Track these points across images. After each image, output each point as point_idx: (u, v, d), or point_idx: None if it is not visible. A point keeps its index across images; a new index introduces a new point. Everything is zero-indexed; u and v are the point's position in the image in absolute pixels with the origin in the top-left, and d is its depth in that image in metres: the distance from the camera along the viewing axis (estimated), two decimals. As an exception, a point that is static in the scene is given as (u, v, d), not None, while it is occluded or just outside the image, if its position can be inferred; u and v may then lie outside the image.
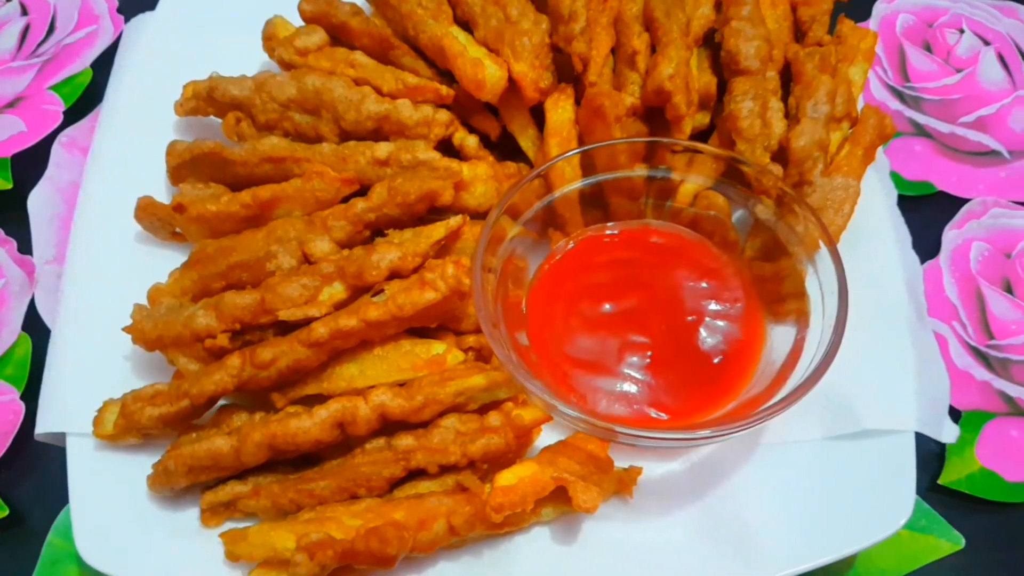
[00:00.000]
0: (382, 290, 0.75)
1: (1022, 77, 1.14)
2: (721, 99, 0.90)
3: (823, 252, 0.79)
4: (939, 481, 0.85)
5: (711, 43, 0.93)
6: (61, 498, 0.78)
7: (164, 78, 0.95)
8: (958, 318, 0.94)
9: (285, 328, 0.75)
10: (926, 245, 0.99)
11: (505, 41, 0.85)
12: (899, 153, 1.06)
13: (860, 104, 0.96)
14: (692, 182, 0.87)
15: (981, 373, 0.91)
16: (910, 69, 1.14)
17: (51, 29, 1.10)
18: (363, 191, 0.83)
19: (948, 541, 0.82)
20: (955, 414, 0.89)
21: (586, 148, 0.84)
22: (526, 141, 0.90)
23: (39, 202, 0.95)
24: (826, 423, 0.79)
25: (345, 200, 0.83)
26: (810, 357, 0.75)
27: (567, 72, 0.88)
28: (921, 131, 1.09)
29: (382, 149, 0.83)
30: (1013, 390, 0.90)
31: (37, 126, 1.01)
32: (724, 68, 0.89)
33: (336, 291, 0.75)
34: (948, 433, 0.81)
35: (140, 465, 0.74)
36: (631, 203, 0.89)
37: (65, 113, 1.03)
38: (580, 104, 0.87)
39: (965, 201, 1.03)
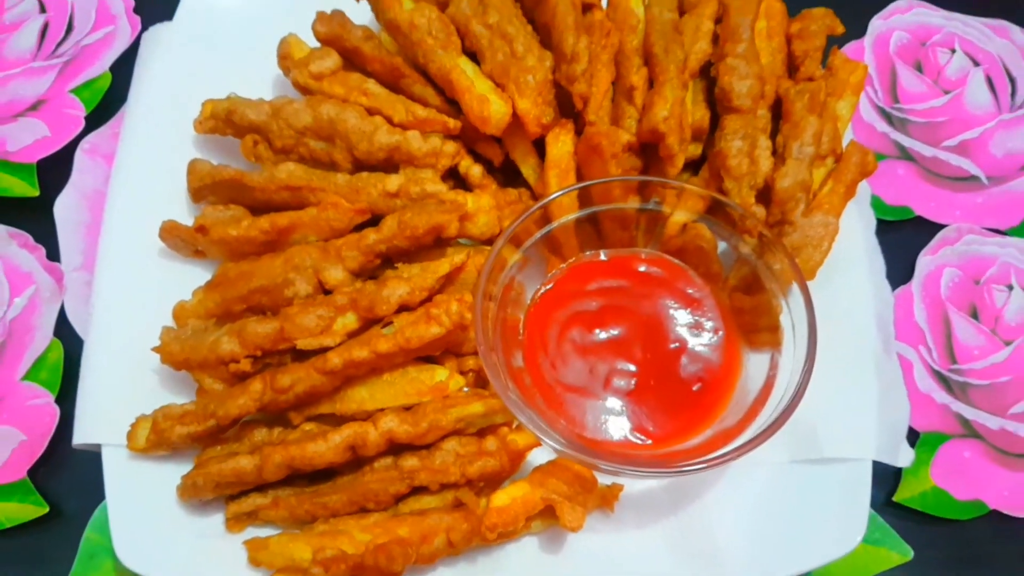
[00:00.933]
0: (391, 322, 0.81)
1: (1007, 101, 1.18)
2: (714, 131, 0.95)
3: (796, 292, 0.85)
4: (894, 498, 0.93)
5: (707, 74, 0.97)
6: (96, 495, 0.86)
7: (183, 91, 0.99)
8: (925, 343, 1.01)
9: (302, 354, 0.82)
10: (901, 269, 1.05)
11: (511, 77, 0.89)
12: (882, 177, 1.11)
13: (849, 135, 1.01)
14: (681, 215, 0.93)
15: (941, 396, 0.99)
16: (900, 90, 1.18)
17: (69, 28, 1.13)
18: (375, 220, 0.88)
19: (898, 553, 0.91)
20: (914, 435, 0.97)
21: (584, 185, 0.89)
22: (527, 169, 0.95)
23: (65, 209, 1.00)
24: (792, 448, 0.87)
25: (358, 228, 0.89)
26: (781, 391, 0.82)
27: (568, 105, 0.93)
28: (905, 154, 1.14)
29: (393, 182, 0.88)
30: (969, 412, 0.98)
31: (60, 131, 1.06)
32: (718, 103, 0.94)
33: (349, 321, 0.82)
34: (904, 458, 0.90)
35: (170, 473, 0.82)
36: (623, 232, 0.95)
37: (86, 118, 1.07)
38: (580, 135, 0.92)
39: (941, 227, 1.08)
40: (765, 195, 0.91)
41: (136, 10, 1.15)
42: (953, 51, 1.21)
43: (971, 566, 0.92)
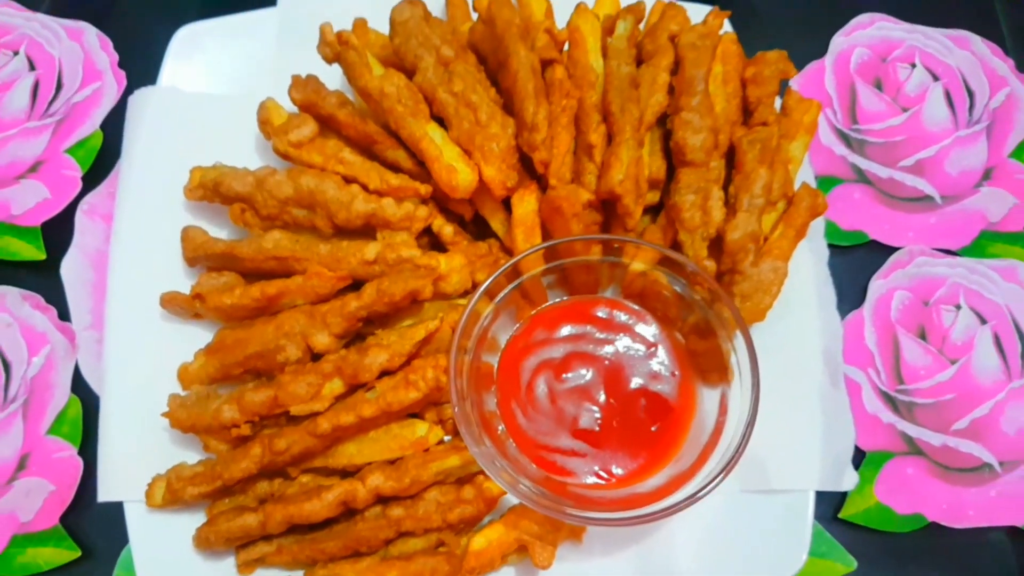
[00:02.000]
0: (374, 386, 0.90)
1: (964, 116, 1.22)
2: (670, 179, 1.00)
3: (741, 341, 0.92)
4: (840, 515, 1.03)
5: (663, 124, 1.02)
6: (121, 537, 0.96)
7: (171, 154, 1.05)
8: (874, 365, 1.09)
9: (296, 416, 0.91)
10: (854, 294, 1.12)
11: (476, 145, 0.95)
12: (838, 201, 1.17)
13: (805, 170, 1.07)
14: (639, 263, 0.99)
15: (888, 416, 1.07)
16: (859, 110, 1.22)
17: (59, 85, 1.18)
18: (356, 284, 0.96)
19: (842, 564, 1.01)
20: (860, 454, 1.06)
21: (549, 244, 0.96)
22: (496, 224, 1.02)
23: (71, 270, 1.08)
24: (743, 479, 0.96)
25: (341, 293, 0.96)
26: (731, 433, 0.91)
27: (531, 168, 0.98)
28: (862, 177, 1.19)
29: (370, 251, 0.95)
30: (914, 431, 1.06)
31: (60, 192, 1.12)
32: (673, 155, 0.99)
33: (336, 386, 0.90)
34: (848, 482, 0.99)
35: (186, 522, 0.93)
36: (588, 277, 1.02)
37: (83, 178, 1.13)
38: (545, 190, 0.98)
39: (895, 250, 1.14)
40: (718, 243, 0.97)
41: (121, 64, 1.20)
42: (913, 66, 1.25)
43: (909, 573, 1.02)
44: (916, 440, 1.06)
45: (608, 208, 1.00)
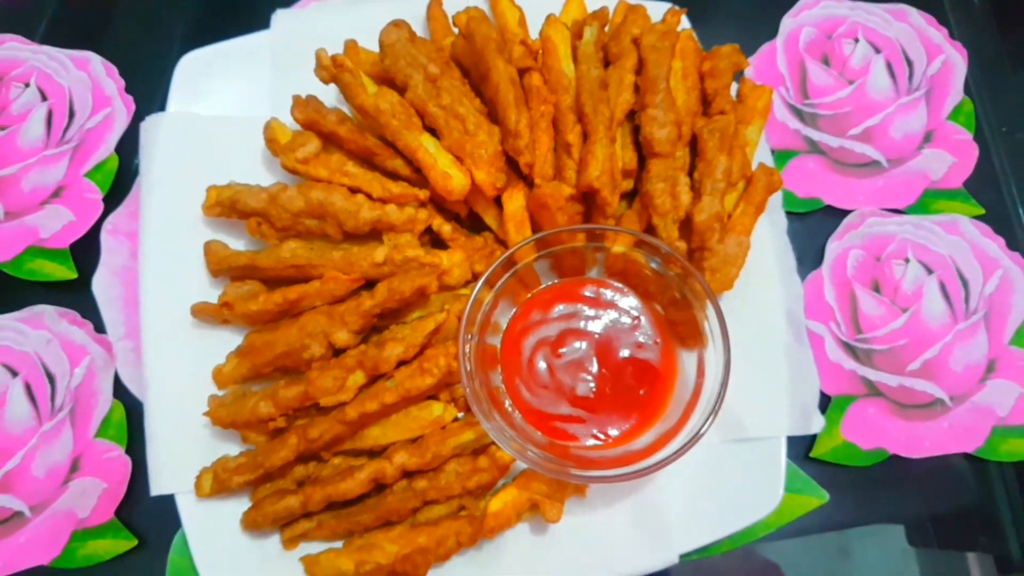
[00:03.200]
0: (392, 375, 1.01)
1: (905, 84, 1.33)
2: (642, 168, 1.11)
3: (711, 311, 1.04)
4: (811, 455, 1.16)
5: (633, 118, 1.13)
6: (172, 524, 1.07)
7: (187, 174, 1.14)
8: (834, 319, 1.22)
9: (324, 408, 1.02)
10: (813, 255, 1.24)
11: (467, 152, 1.06)
12: (794, 173, 1.28)
13: (761, 150, 1.18)
14: (620, 246, 1.11)
15: (849, 364, 1.20)
16: (810, 85, 1.34)
17: (71, 114, 1.27)
18: (368, 284, 1.07)
19: (816, 497, 1.14)
20: (826, 399, 1.19)
21: (539, 236, 1.07)
22: (490, 219, 1.12)
23: (101, 287, 1.17)
24: (722, 430, 1.09)
25: (355, 292, 1.07)
26: (708, 392, 1.03)
27: (518, 168, 1.09)
28: (815, 148, 1.30)
29: (379, 254, 1.06)
30: (873, 375, 1.19)
31: (83, 215, 1.21)
32: (643, 147, 1.10)
33: (358, 378, 1.01)
34: (815, 425, 1.12)
35: (233, 507, 1.04)
36: (575, 264, 1.13)
37: (103, 200, 1.22)
38: (531, 189, 1.09)
39: (847, 213, 1.26)
40: (687, 224, 1.09)
41: (127, 90, 1.28)
42: (857, 40, 1.36)
43: (876, 501, 1.16)
44: (876, 383, 1.19)
45: (588, 199, 1.11)
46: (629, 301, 1.12)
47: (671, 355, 1.09)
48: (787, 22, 1.37)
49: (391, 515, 1.01)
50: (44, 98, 1.28)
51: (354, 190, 1.08)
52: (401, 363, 1.02)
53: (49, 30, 1.33)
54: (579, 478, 0.99)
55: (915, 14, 1.37)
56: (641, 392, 1.08)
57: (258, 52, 1.23)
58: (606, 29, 1.18)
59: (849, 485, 1.16)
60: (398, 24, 1.11)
